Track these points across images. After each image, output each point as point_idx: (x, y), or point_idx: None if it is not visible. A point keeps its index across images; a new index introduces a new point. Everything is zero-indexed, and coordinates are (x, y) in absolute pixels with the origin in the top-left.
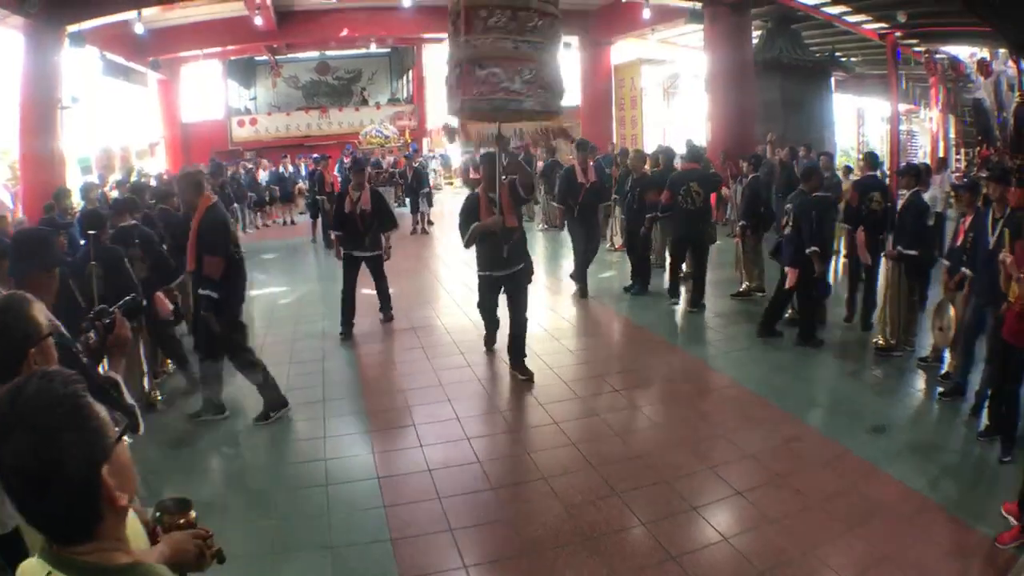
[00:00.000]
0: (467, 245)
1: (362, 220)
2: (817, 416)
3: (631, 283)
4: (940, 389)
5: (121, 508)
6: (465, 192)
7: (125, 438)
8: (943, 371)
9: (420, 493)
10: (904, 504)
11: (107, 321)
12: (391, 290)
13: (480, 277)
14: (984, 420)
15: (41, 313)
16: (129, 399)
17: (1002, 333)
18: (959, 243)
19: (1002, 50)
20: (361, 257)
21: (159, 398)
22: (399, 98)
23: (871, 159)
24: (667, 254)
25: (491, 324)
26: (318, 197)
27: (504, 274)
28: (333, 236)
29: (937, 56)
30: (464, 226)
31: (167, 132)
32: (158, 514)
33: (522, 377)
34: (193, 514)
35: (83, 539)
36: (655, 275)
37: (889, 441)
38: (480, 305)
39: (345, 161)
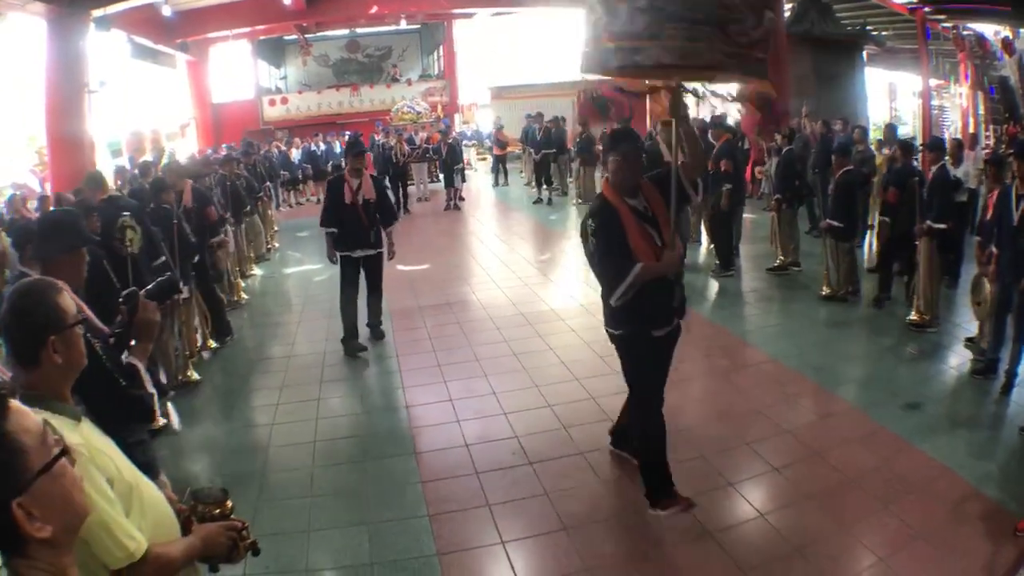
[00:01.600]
0: (619, 301)
1: (365, 212)
2: (852, 392)
3: None
4: (971, 365)
5: (42, 541)
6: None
7: (65, 460)
8: (971, 337)
9: (457, 468)
10: (938, 482)
11: (131, 305)
12: (420, 267)
13: (629, 338)
14: None
15: (70, 302)
16: (149, 387)
17: None
18: (988, 218)
19: (1023, 29)
20: (361, 258)
21: (196, 377)
22: (430, 74)
23: (891, 132)
24: (704, 227)
25: (657, 407)
26: None
27: (667, 331)
28: (325, 234)
29: (964, 33)
30: (607, 259)
31: (198, 113)
32: (192, 502)
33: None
34: (229, 504)
35: (18, 555)
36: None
37: (923, 418)
38: (638, 383)
39: (377, 138)
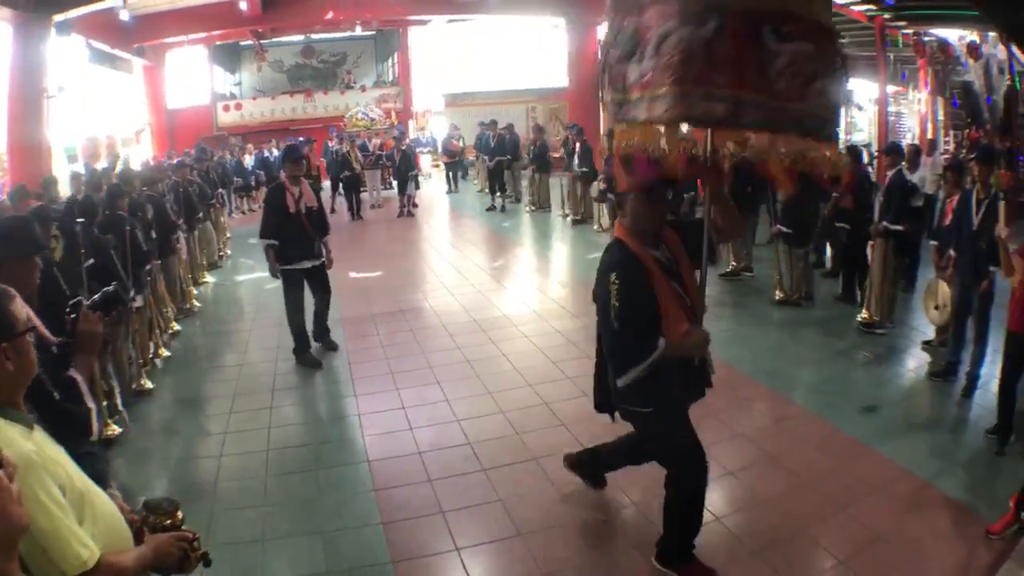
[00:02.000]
0: (628, 382)
1: (309, 221)
2: (807, 395)
3: None
4: (929, 367)
5: None
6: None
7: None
8: (928, 340)
9: (410, 476)
10: (897, 484)
11: (73, 316)
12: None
13: (660, 414)
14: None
15: (22, 309)
16: (89, 402)
17: (1009, 325)
18: (947, 222)
19: (992, 33)
20: (307, 270)
21: (149, 385)
22: (385, 80)
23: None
24: None
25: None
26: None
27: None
28: (265, 246)
29: (926, 38)
30: (628, 326)
31: (153, 119)
32: (144, 512)
33: None
34: (180, 515)
35: None
36: None
37: (881, 420)
38: (685, 458)
39: (331, 144)
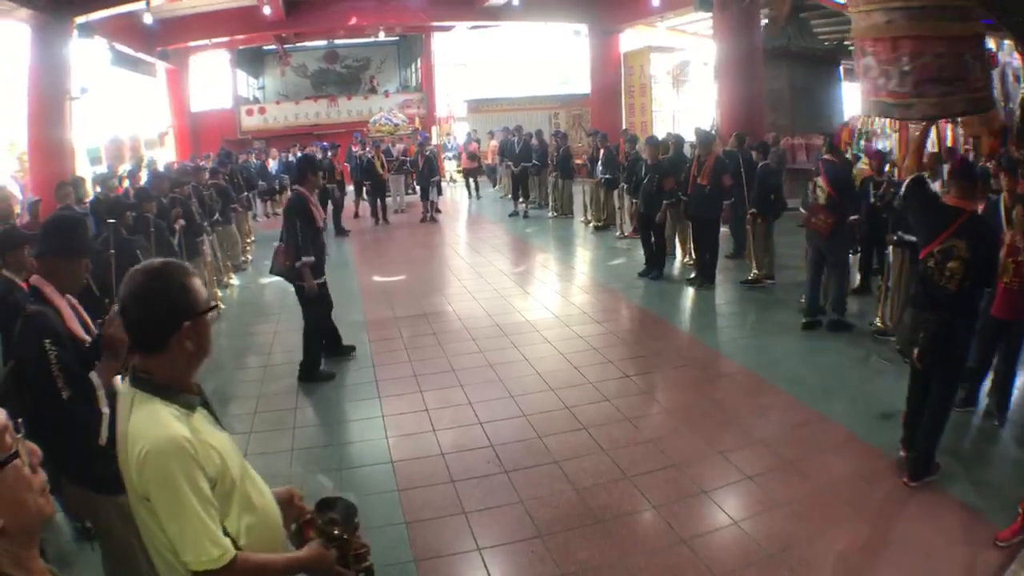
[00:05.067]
0: None
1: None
2: (825, 402)
3: (646, 268)
4: None
5: None
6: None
7: (17, 462)
8: None
9: (433, 477)
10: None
11: (100, 320)
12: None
13: None
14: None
15: (201, 286)
16: (103, 407)
17: (991, 311)
18: None
19: (1007, 42)
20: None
21: None
22: (408, 86)
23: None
24: (683, 239)
25: None
26: (328, 186)
27: None
28: (303, 264)
29: None
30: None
31: (176, 121)
32: (309, 516)
33: None
34: (357, 520)
35: None
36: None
37: (896, 427)
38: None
39: (354, 149)
